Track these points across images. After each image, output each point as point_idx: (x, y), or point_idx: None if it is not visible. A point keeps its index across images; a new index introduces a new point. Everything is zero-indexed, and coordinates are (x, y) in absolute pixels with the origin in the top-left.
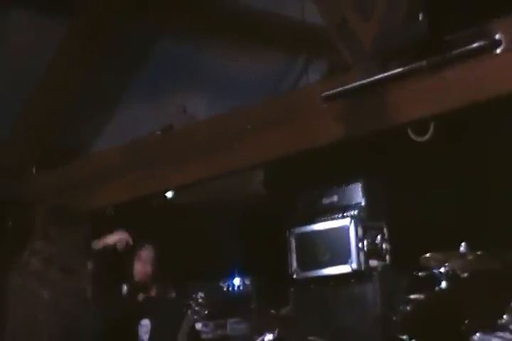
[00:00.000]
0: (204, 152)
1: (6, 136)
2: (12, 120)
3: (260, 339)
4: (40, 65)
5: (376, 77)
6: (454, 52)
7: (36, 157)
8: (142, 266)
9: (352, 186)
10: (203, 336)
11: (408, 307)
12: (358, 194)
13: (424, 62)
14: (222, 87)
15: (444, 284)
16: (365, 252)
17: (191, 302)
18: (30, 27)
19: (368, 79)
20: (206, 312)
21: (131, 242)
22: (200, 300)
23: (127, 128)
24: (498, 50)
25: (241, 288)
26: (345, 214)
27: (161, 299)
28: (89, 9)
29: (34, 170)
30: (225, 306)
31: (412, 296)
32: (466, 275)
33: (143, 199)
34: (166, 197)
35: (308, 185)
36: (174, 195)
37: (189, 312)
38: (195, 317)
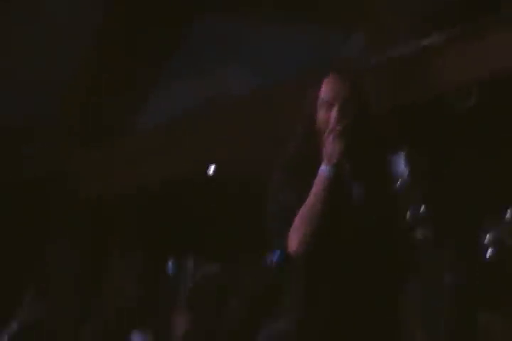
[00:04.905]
0: (246, 125)
1: (48, 115)
2: (53, 99)
3: None
4: (81, 45)
5: (418, 44)
6: (496, 16)
7: (79, 135)
8: None
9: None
10: None
11: None
12: (400, 163)
13: (467, 27)
14: (263, 60)
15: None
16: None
17: None
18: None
19: (410, 48)
20: None
21: None
22: None
23: (167, 106)
24: None
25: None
26: None
27: None
28: None
29: (78, 148)
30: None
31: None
32: None
33: (185, 176)
34: (208, 173)
35: None
36: (216, 171)
37: None
38: None
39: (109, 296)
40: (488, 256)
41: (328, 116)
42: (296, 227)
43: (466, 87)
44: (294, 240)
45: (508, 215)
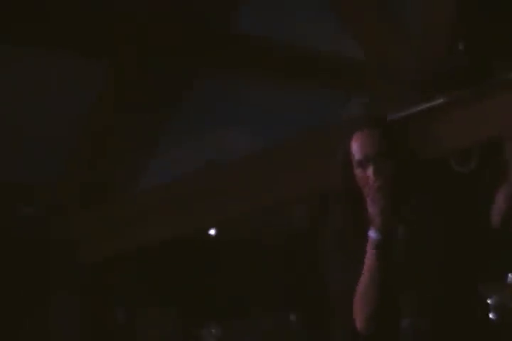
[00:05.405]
0: (246, 185)
1: (49, 175)
2: (54, 159)
3: None
4: (83, 106)
5: (417, 108)
6: (496, 80)
7: (80, 196)
8: None
9: None
10: None
11: None
12: None
13: (466, 92)
14: (263, 121)
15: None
16: None
17: None
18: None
19: (409, 111)
20: None
21: None
22: None
23: (168, 167)
24: None
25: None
26: None
27: None
28: (123, 54)
29: (78, 209)
30: None
31: None
32: None
33: (186, 237)
34: (209, 233)
35: None
36: (217, 232)
37: None
38: None
39: None
40: (491, 319)
41: (365, 175)
42: (357, 307)
43: (466, 150)
44: (358, 319)
45: (509, 279)
